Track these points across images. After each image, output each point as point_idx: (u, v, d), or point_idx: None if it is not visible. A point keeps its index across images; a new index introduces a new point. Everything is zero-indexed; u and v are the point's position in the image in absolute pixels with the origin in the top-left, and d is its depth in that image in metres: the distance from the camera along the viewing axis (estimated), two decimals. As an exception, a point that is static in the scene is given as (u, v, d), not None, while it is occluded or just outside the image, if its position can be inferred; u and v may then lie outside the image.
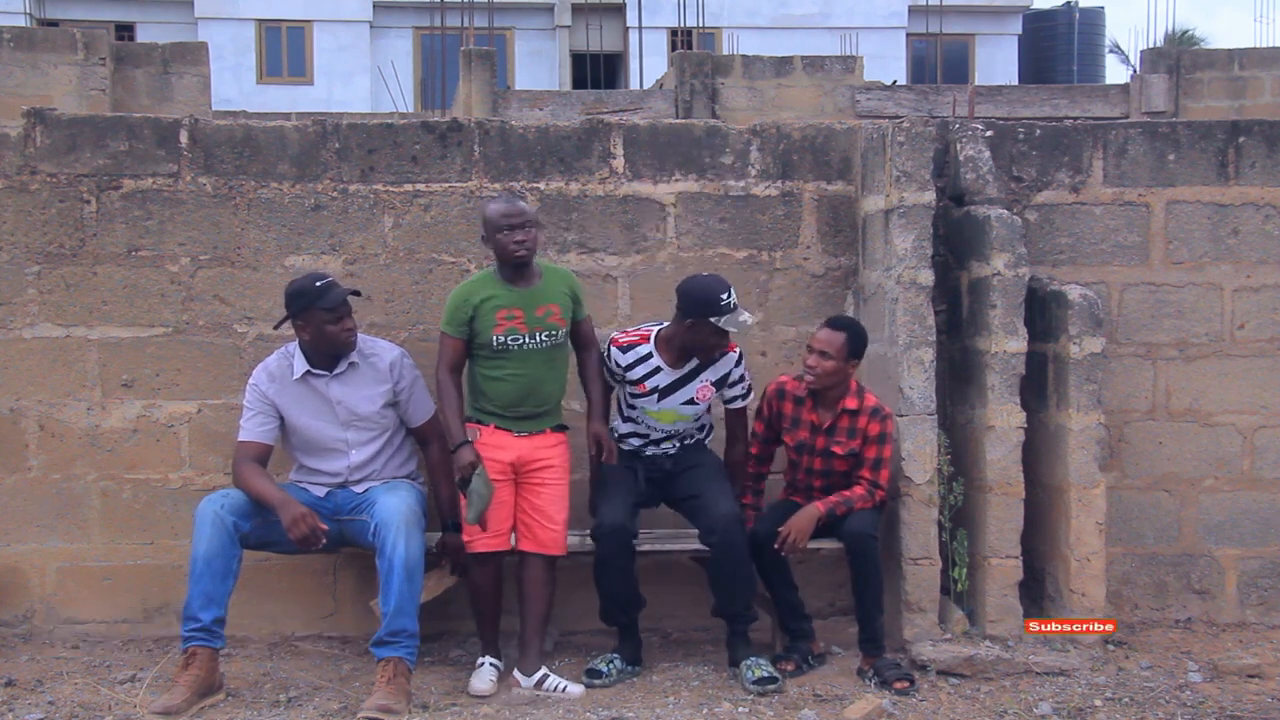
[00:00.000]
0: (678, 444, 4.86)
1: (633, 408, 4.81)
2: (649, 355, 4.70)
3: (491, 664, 4.63)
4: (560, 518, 4.66)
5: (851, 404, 4.70)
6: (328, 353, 4.62)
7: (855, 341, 4.66)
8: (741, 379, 4.80)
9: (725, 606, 4.68)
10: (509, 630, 5.01)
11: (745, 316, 4.61)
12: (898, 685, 4.49)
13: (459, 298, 4.55)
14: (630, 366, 4.70)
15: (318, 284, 4.54)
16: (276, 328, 4.79)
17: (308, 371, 4.64)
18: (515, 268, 4.51)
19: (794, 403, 4.77)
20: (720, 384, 4.76)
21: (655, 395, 4.72)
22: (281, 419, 4.66)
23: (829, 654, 4.94)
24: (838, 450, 4.72)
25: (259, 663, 4.87)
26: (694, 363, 4.71)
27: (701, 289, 4.57)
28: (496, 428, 4.61)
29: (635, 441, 4.85)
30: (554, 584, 4.67)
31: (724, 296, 4.54)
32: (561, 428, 4.75)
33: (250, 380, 4.70)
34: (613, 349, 4.72)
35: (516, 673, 4.57)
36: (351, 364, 4.65)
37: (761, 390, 4.90)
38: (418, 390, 4.74)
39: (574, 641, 4.96)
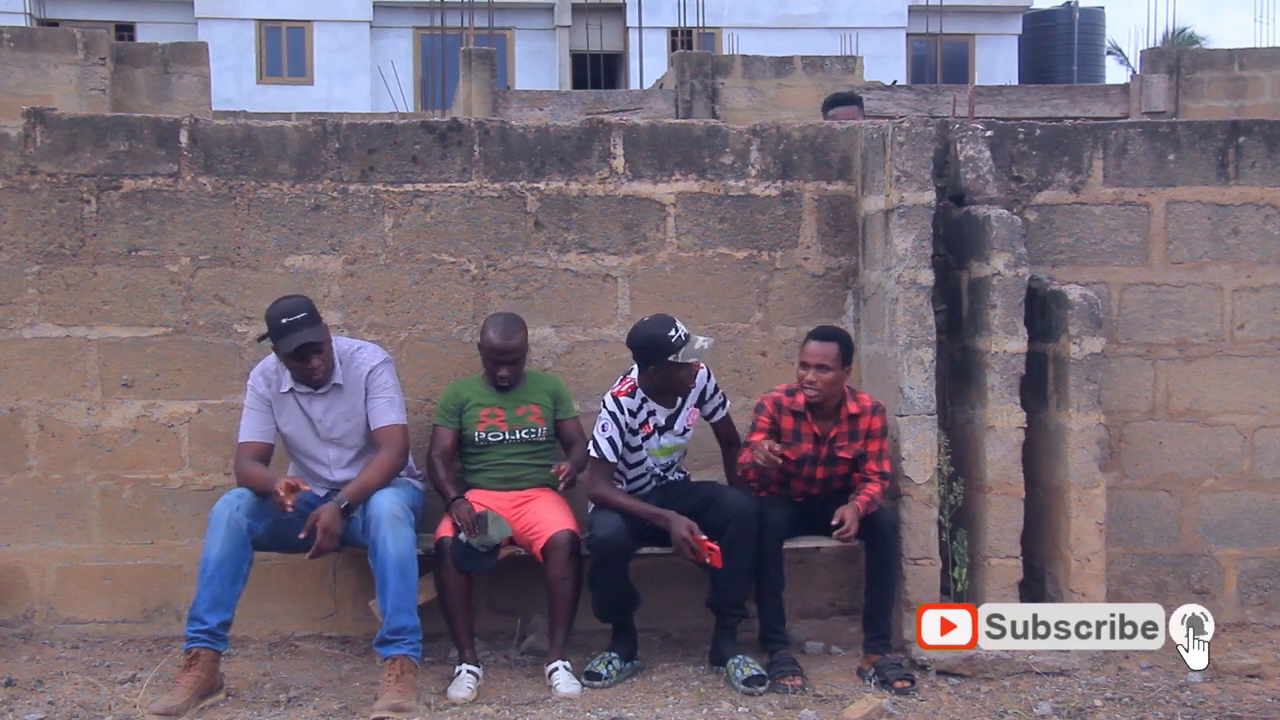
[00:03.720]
0: (667, 479, 4.92)
1: (639, 462, 4.81)
2: (644, 399, 4.76)
3: (469, 671, 4.54)
4: (557, 507, 4.75)
5: (853, 408, 4.73)
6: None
7: (846, 349, 4.71)
8: (716, 389, 4.90)
9: (723, 596, 4.67)
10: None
11: (701, 342, 4.62)
12: (898, 685, 4.49)
13: (451, 393, 4.92)
14: (636, 411, 4.75)
15: (284, 321, 4.45)
16: (259, 340, 4.74)
17: (292, 388, 4.64)
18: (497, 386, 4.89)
19: (793, 417, 4.75)
20: (701, 403, 4.86)
21: (657, 433, 4.79)
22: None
23: (829, 654, 4.95)
24: (844, 455, 4.75)
25: (259, 663, 4.87)
26: (679, 398, 4.81)
27: (647, 337, 4.61)
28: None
29: (642, 487, 4.88)
30: (575, 576, 4.61)
31: (671, 334, 4.57)
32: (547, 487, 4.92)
33: (249, 380, 4.71)
34: (621, 400, 4.72)
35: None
36: (335, 385, 4.64)
37: (752, 402, 4.94)
38: (384, 395, 4.66)
39: (573, 641, 4.94)
